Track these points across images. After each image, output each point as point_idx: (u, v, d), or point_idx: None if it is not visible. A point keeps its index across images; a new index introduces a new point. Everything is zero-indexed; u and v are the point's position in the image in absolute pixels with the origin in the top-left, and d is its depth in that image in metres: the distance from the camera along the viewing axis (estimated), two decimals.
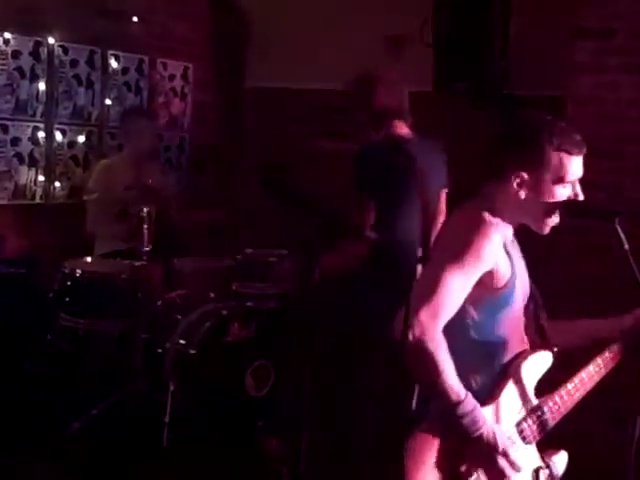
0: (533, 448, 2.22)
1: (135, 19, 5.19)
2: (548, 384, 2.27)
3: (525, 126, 2.19)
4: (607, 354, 2.35)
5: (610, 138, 3.84)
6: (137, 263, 4.05)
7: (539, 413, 2.21)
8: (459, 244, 2.05)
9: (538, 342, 2.31)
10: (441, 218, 3.22)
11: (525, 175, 2.12)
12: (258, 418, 4.06)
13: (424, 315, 1.96)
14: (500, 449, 2.05)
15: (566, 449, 2.34)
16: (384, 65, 4.55)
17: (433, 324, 1.97)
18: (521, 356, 2.22)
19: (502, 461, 2.06)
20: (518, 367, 2.20)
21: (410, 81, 4.72)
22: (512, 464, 2.07)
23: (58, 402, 3.90)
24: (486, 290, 2.10)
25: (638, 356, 2.34)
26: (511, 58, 4.41)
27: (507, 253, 2.16)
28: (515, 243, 2.25)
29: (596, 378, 2.34)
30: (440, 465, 2.04)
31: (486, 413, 2.08)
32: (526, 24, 4.38)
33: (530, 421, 2.19)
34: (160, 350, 4.05)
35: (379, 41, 4.99)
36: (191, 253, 4.64)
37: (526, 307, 2.29)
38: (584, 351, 2.36)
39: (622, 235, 2.15)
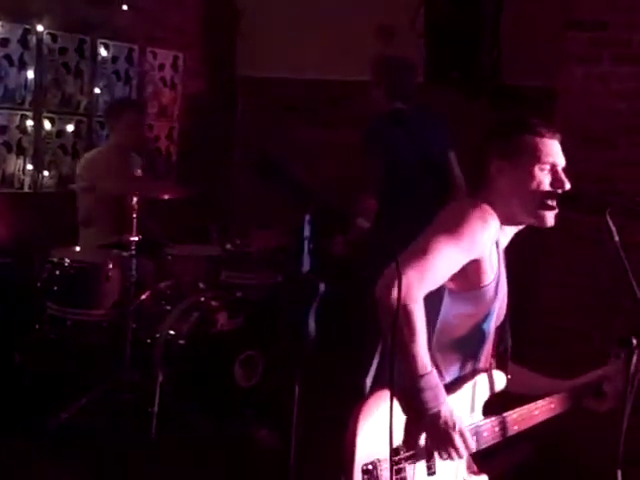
0: (463, 461, 2.18)
1: (125, 7, 5.15)
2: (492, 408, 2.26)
3: (499, 122, 2.25)
4: (548, 402, 2.33)
5: (601, 130, 3.84)
6: (125, 253, 4.03)
7: (478, 430, 2.18)
8: (457, 220, 2.06)
9: (496, 365, 2.31)
10: (454, 175, 3.87)
11: (503, 163, 2.15)
12: (247, 408, 4.06)
13: (411, 275, 1.95)
14: (457, 427, 2.02)
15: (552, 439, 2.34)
16: (375, 55, 4.55)
17: (419, 287, 1.97)
18: (483, 368, 2.24)
19: (458, 440, 2.03)
20: (476, 376, 2.21)
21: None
22: (466, 444, 2.05)
23: (46, 392, 3.88)
24: (468, 283, 2.10)
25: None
26: (503, 49, 4.40)
27: (498, 258, 2.16)
28: (503, 261, 2.24)
29: (535, 419, 2.30)
30: (380, 435, 1.96)
31: None
32: (518, 15, 4.37)
33: (484, 427, 2.17)
34: (149, 340, 4.04)
35: (371, 31, 4.98)
36: (181, 242, 4.62)
37: (497, 328, 2.29)
38: None
39: (613, 227, 2.15)
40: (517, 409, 2.27)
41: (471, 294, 2.14)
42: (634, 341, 2.18)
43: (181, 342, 4.00)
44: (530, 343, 3.83)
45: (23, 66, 4.70)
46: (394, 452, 1.98)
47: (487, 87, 4.17)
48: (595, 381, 2.37)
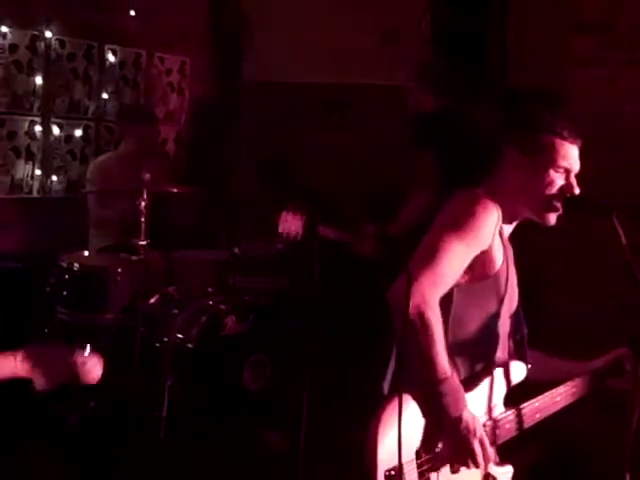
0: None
1: (132, 13, 5.17)
2: (514, 398, 2.25)
3: (522, 113, 2.28)
4: (570, 386, 2.33)
5: (608, 132, 3.84)
6: (134, 257, 4.04)
7: (507, 419, 2.18)
8: (461, 216, 2.07)
9: (515, 355, 2.31)
10: None
11: (520, 157, 2.16)
12: (256, 412, 4.06)
13: (425, 283, 1.95)
14: (478, 434, 2.01)
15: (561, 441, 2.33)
16: (382, 60, 4.58)
17: (433, 292, 1.97)
18: (501, 361, 2.23)
19: (477, 447, 2.01)
20: (493, 370, 2.20)
21: (408, 76, 4.74)
22: (485, 452, 2.03)
23: (55, 396, 3.89)
24: (477, 274, 2.11)
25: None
26: (509, 51, 4.41)
27: (504, 246, 2.17)
28: (511, 253, 2.24)
29: (557, 406, 2.31)
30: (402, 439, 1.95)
31: None
32: (525, 17, 4.37)
33: (488, 427, 2.16)
34: (158, 344, 4.05)
35: (376, 36, 4.99)
36: (189, 246, 4.63)
37: (511, 317, 2.29)
38: None
39: (620, 229, 2.15)
40: (539, 397, 2.27)
41: (482, 284, 2.15)
42: None
43: (190, 346, 4.01)
44: (536, 345, 3.83)
45: (32, 72, 4.73)
46: (416, 455, 1.99)
47: (494, 90, 4.16)
48: (615, 360, 2.37)
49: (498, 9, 4.37)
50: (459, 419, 1.99)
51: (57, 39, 4.84)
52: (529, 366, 2.28)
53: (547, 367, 2.38)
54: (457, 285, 2.11)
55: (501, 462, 2.26)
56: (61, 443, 3.69)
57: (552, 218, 2.20)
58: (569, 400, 2.34)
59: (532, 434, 2.29)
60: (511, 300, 2.25)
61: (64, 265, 4.07)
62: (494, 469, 2.22)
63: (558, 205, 2.17)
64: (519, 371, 2.26)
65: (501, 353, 2.26)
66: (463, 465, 2.05)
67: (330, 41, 5.16)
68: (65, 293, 4.05)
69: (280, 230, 3.14)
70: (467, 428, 2.00)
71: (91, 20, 4.95)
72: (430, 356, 1.96)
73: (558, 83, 4.00)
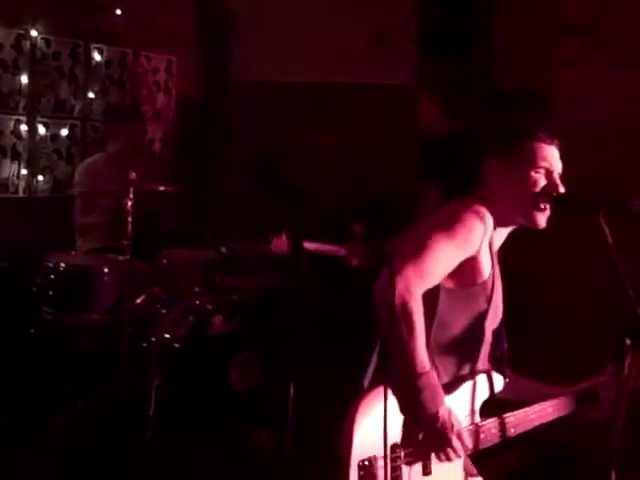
0: (460, 461, 2.18)
1: (118, 12, 5.16)
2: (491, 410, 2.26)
3: (499, 124, 2.27)
4: (548, 405, 2.33)
5: (594, 133, 3.86)
6: (121, 257, 4.03)
7: (477, 430, 2.17)
8: (451, 219, 2.08)
9: (494, 367, 2.32)
10: None
11: (499, 164, 2.18)
12: (243, 411, 4.06)
13: (410, 273, 1.95)
14: (455, 429, 2.01)
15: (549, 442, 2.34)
16: (370, 59, 4.58)
17: (418, 285, 1.97)
18: (482, 369, 2.24)
19: (456, 442, 2.01)
20: (475, 376, 2.21)
21: (395, 76, 4.76)
22: (464, 445, 2.03)
23: (42, 396, 3.88)
24: (464, 281, 2.12)
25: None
26: (496, 53, 4.43)
27: (491, 257, 2.18)
28: (498, 269, 2.25)
29: (532, 423, 2.30)
30: (377, 431, 1.94)
31: None
32: (512, 19, 4.40)
33: (469, 432, 2.15)
34: (145, 344, 4.04)
35: (364, 36, 5.00)
36: (176, 246, 4.62)
37: (494, 331, 2.30)
38: None
39: (606, 228, 2.17)
40: (515, 412, 2.27)
41: (468, 291, 2.15)
42: (628, 342, 2.20)
43: (177, 346, 4.01)
44: (528, 345, 3.85)
45: (17, 71, 4.71)
46: (391, 450, 1.97)
47: (480, 92, 4.18)
48: (591, 388, 2.38)
49: (485, 10, 4.40)
50: (436, 414, 1.98)
51: (42, 38, 4.82)
52: (506, 380, 2.30)
53: (526, 388, 2.37)
54: (443, 288, 2.11)
55: (475, 474, 2.26)
56: (48, 443, 3.68)
57: (542, 220, 2.21)
58: (544, 419, 2.33)
59: (517, 435, 2.30)
60: (496, 312, 2.26)
61: (50, 265, 4.06)
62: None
63: (545, 205, 2.19)
64: (498, 383, 2.28)
65: (483, 363, 2.27)
66: (443, 458, 2.04)
67: (319, 40, 5.17)
68: (51, 293, 4.04)
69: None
70: (444, 423, 1.99)
71: (77, 19, 4.93)
72: (410, 347, 1.96)
73: (544, 84, 4.02)
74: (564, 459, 3.72)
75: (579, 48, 3.86)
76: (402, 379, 1.98)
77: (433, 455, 2.07)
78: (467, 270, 2.11)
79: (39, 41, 4.80)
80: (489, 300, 2.19)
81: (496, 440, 2.21)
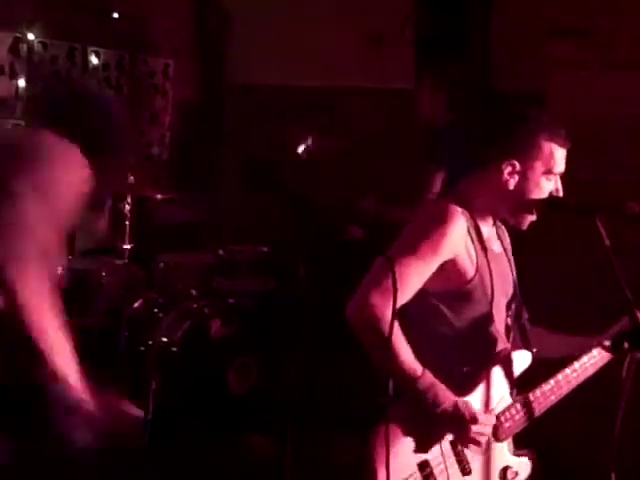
0: (504, 446, 2.23)
1: (115, 15, 5.15)
2: (526, 384, 2.29)
3: (515, 117, 2.23)
4: (586, 359, 2.36)
5: (588, 134, 3.87)
6: (118, 261, 4.03)
7: (513, 411, 2.22)
8: (416, 231, 2.08)
9: (519, 341, 2.33)
10: None
11: (517, 164, 2.15)
12: (241, 415, 4.06)
13: (373, 295, 1.98)
14: (468, 417, 2.05)
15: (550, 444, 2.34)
16: (366, 63, 4.58)
17: (382, 304, 1.98)
18: (501, 353, 2.25)
19: (474, 427, 2.05)
20: (496, 364, 2.22)
21: (390, 78, 4.77)
22: (483, 428, 2.07)
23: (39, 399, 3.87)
24: (451, 283, 2.12)
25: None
26: (492, 55, 4.43)
27: (476, 250, 2.17)
28: (499, 240, 2.26)
29: (573, 382, 2.35)
30: (406, 449, 2.03)
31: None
32: (507, 21, 4.41)
33: (503, 418, 2.20)
34: (142, 348, 4.04)
35: (360, 39, 5.01)
36: (173, 249, 4.62)
37: (508, 306, 2.31)
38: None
39: (603, 231, 2.17)
40: (549, 380, 2.29)
41: (459, 292, 2.15)
42: (626, 345, 2.20)
43: (174, 349, 4.00)
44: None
45: (14, 75, 4.71)
46: (422, 466, 2.03)
47: (476, 93, 4.19)
48: (621, 329, 2.34)
49: (480, 13, 4.40)
50: (445, 409, 2.03)
51: (40, 41, 4.82)
52: (534, 350, 2.30)
53: (552, 342, 2.39)
54: (434, 295, 2.12)
55: (521, 453, 2.30)
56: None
57: (527, 222, 2.22)
58: (590, 371, 2.35)
59: (521, 441, 2.31)
60: (505, 294, 2.27)
61: None
62: (511, 459, 2.25)
63: (535, 213, 2.20)
64: (523, 359, 2.27)
65: (501, 342, 2.27)
66: (471, 447, 2.09)
67: (315, 44, 5.17)
68: None
69: None
70: (455, 413, 2.03)
71: (73, 22, 4.93)
72: (391, 362, 1.98)
73: (539, 85, 4.03)
74: (566, 462, 3.73)
75: (573, 49, 3.87)
76: (404, 390, 2.02)
77: (467, 452, 2.11)
78: (451, 273, 2.12)
79: (36, 45, 4.80)
80: (486, 290, 2.19)
81: (542, 410, 2.25)
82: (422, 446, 2.07)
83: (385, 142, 4.85)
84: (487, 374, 2.21)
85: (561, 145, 2.19)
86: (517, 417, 2.22)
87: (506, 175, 2.15)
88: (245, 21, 5.57)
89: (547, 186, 2.18)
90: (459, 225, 2.10)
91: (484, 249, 2.19)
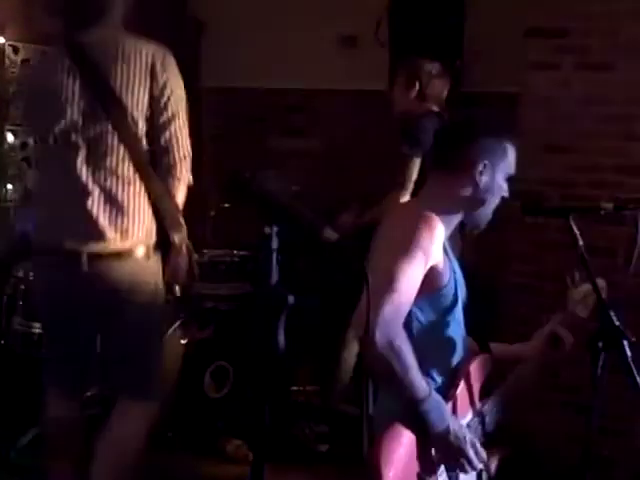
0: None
1: None
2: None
3: (486, 120, 2.31)
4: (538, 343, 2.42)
5: (563, 135, 3.89)
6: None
7: (483, 415, 2.24)
8: (406, 238, 2.06)
9: (476, 347, 2.36)
10: None
11: (488, 164, 2.17)
12: (218, 419, 4.04)
13: (388, 313, 1.96)
14: (468, 439, 2.06)
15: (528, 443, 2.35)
16: (339, 65, 4.58)
17: (397, 320, 1.98)
18: (471, 358, 2.27)
19: (471, 452, 2.06)
20: (469, 368, 2.25)
21: (365, 80, 4.77)
22: (478, 454, 2.09)
23: (15, 407, 3.83)
24: (430, 288, 2.12)
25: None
26: (465, 56, 4.45)
27: (445, 253, 2.19)
28: (449, 245, 2.27)
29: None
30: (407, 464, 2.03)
31: None
32: (480, 23, 4.42)
33: (475, 423, 2.22)
34: None
35: (334, 41, 5.01)
36: None
37: (464, 312, 2.32)
38: None
39: (577, 231, 2.18)
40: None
41: (433, 296, 2.16)
42: (600, 344, 2.22)
43: None
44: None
45: None
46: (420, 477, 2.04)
47: (450, 95, 4.19)
48: (551, 332, 2.42)
49: (454, 14, 4.41)
50: (447, 431, 2.03)
51: (10, 45, 4.76)
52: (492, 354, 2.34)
53: (500, 353, 2.42)
54: (415, 302, 2.12)
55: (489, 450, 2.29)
56: (21, 456, 3.64)
57: (485, 224, 2.26)
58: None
59: (497, 437, 2.32)
60: (462, 299, 2.28)
61: (20, 275, 4.01)
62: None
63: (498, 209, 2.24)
64: (487, 363, 2.31)
65: (462, 350, 2.29)
66: (461, 471, 2.09)
67: (289, 46, 5.16)
68: (21, 303, 3.98)
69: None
70: (456, 437, 2.04)
71: (45, 25, 4.87)
72: (407, 380, 1.99)
73: (513, 87, 4.04)
74: (543, 459, 3.75)
75: (548, 50, 3.89)
76: (407, 408, 2.02)
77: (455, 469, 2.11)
78: (430, 278, 2.12)
79: (7, 48, 4.74)
80: (455, 295, 2.20)
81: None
82: (423, 461, 2.08)
83: (364, 143, 4.85)
84: (462, 378, 2.23)
85: (513, 147, 2.22)
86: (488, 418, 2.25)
87: (477, 175, 2.17)
88: (219, 23, 5.54)
89: (505, 188, 2.21)
90: (440, 231, 2.12)
91: (447, 254, 2.20)
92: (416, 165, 3.75)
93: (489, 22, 4.40)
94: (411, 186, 3.75)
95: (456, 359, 2.25)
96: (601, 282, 2.31)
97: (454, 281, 2.20)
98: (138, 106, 2.77)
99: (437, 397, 2.03)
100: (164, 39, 3.26)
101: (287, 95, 5.32)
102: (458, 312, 2.24)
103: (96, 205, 2.76)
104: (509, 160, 2.20)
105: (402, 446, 2.02)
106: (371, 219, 3.54)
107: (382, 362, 1.96)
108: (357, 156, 4.89)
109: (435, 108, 3.97)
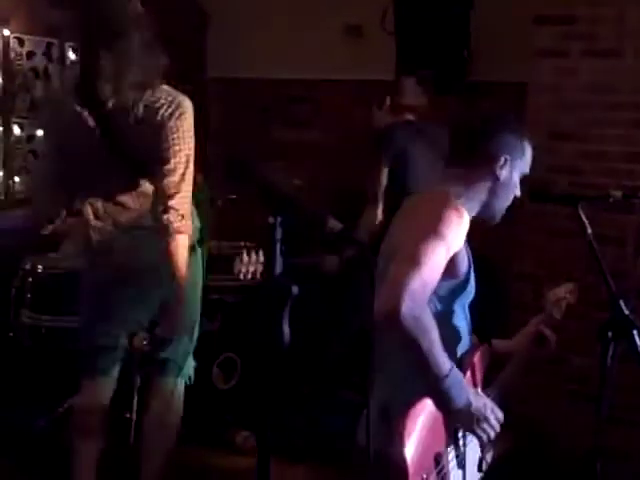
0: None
1: None
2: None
3: (506, 116, 2.30)
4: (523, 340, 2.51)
5: (571, 123, 3.87)
6: None
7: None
8: (437, 221, 2.07)
9: (475, 339, 2.39)
10: None
11: (508, 158, 2.19)
12: (226, 411, 4.04)
13: (415, 285, 1.94)
14: (488, 406, 2.10)
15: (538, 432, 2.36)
16: (345, 55, 4.56)
17: (424, 294, 1.98)
18: (475, 349, 2.31)
19: (492, 417, 2.10)
20: (474, 359, 2.28)
21: (371, 70, 4.75)
22: (498, 417, 2.12)
23: (23, 400, 3.84)
24: (449, 276, 2.12)
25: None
26: (473, 45, 4.42)
27: (467, 248, 2.21)
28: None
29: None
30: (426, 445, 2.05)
31: None
32: (487, 10, 4.39)
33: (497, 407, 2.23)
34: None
35: (339, 30, 4.98)
36: None
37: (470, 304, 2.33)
38: None
39: (585, 220, 2.17)
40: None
41: (450, 284, 2.16)
42: (610, 334, 2.21)
43: None
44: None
45: None
46: (437, 461, 2.08)
47: (457, 84, 4.17)
48: (537, 330, 2.50)
49: (461, 3, 4.38)
50: (468, 404, 2.05)
51: (15, 37, 4.76)
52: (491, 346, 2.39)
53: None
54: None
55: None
56: (29, 449, 3.65)
57: (500, 217, 2.28)
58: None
59: (503, 425, 2.31)
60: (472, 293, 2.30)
61: (28, 267, 4.01)
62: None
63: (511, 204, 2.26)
64: (487, 354, 2.35)
65: (467, 340, 2.31)
66: (484, 437, 2.12)
67: (294, 36, 5.14)
68: (29, 296, 3.99)
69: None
70: (477, 407, 2.06)
71: (50, 17, 4.86)
72: (432, 357, 1.99)
73: (521, 75, 4.02)
74: (549, 448, 3.74)
75: (556, 38, 3.86)
76: (430, 384, 2.03)
77: (468, 443, 2.17)
78: (450, 266, 2.11)
79: (12, 40, 4.74)
80: (467, 290, 2.23)
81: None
82: (440, 439, 2.12)
83: (368, 133, 4.83)
84: (472, 365, 2.26)
85: (532, 149, 2.26)
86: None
87: (498, 169, 2.19)
88: (224, 14, 5.52)
89: (518, 186, 2.24)
90: (466, 219, 2.14)
91: (467, 250, 2.22)
92: (385, 175, 3.77)
93: (495, 10, 4.37)
94: (382, 197, 3.77)
95: (461, 349, 2.27)
96: (570, 285, 2.47)
97: (469, 275, 2.21)
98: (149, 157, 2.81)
99: (458, 372, 2.05)
100: (170, 30, 3.26)
101: (291, 85, 5.30)
102: (466, 305, 2.27)
103: None
104: (527, 158, 2.23)
105: (420, 428, 2.04)
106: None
107: (407, 338, 1.94)
108: (361, 147, 4.87)
109: (411, 117, 3.99)
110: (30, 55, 4.85)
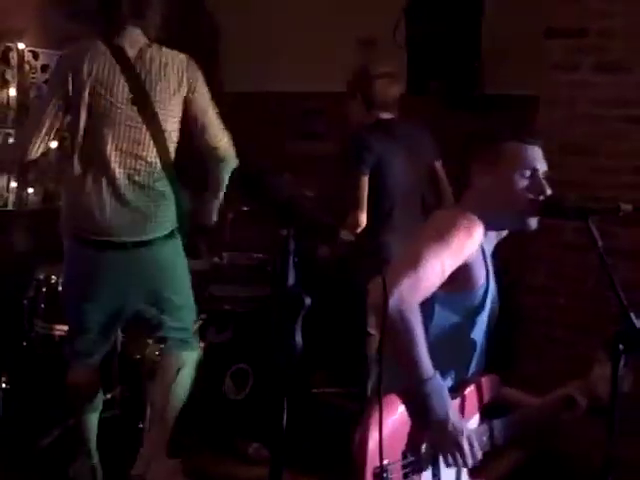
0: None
1: None
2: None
3: (482, 129, 2.36)
4: (555, 398, 2.36)
5: (583, 136, 3.87)
6: None
7: (492, 428, 2.21)
8: (444, 228, 2.08)
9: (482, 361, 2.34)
10: (443, 185, 3.86)
11: (485, 169, 2.20)
12: (238, 422, 4.04)
13: (405, 285, 1.96)
14: (466, 433, 2.04)
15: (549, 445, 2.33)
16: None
17: (413, 295, 1.98)
18: (484, 373, 2.27)
19: (466, 446, 2.04)
20: (481, 379, 2.25)
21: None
22: (473, 452, 2.06)
23: (36, 409, 3.86)
24: (458, 287, 2.12)
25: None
26: (484, 58, 4.43)
27: (485, 263, 2.19)
28: (492, 268, 2.27)
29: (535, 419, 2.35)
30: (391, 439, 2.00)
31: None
32: (498, 23, 4.40)
33: (482, 429, 2.19)
34: (138, 356, 4.02)
35: (352, 43, 5.00)
36: None
37: (488, 336, 2.31)
38: None
39: (596, 233, 2.17)
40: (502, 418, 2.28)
41: (460, 296, 2.15)
42: (620, 346, 2.20)
43: None
44: (515, 349, 3.85)
45: (5, 84, 4.69)
46: (403, 457, 2.00)
47: (468, 97, 4.18)
48: (567, 395, 2.38)
49: (472, 15, 4.40)
50: (446, 418, 2.01)
51: (30, 50, 4.81)
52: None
53: (501, 393, 2.38)
54: (437, 294, 2.11)
55: (478, 475, 2.27)
56: (43, 456, 3.66)
57: (533, 222, 2.24)
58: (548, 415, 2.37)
59: (516, 440, 2.31)
60: (490, 317, 2.27)
61: (42, 277, 4.04)
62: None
63: (534, 208, 2.20)
64: (495, 384, 2.29)
65: (475, 366, 2.28)
66: (452, 463, 2.06)
67: (307, 49, 5.17)
68: (43, 306, 4.02)
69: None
70: (454, 427, 2.01)
71: (64, 30, 4.91)
72: (412, 357, 1.98)
73: (532, 89, 4.02)
74: (561, 462, 3.72)
75: (567, 51, 3.86)
76: (409, 386, 2.00)
77: (442, 460, 2.07)
78: (460, 277, 2.12)
79: (27, 53, 4.79)
80: (480, 309, 2.20)
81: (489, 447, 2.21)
82: (411, 441, 2.06)
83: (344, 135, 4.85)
84: (466, 389, 2.21)
85: (525, 141, 2.22)
86: (483, 442, 2.20)
87: (479, 181, 2.21)
88: (237, 28, 5.56)
89: (524, 183, 2.20)
90: (477, 234, 2.13)
91: (487, 268, 2.20)
92: (365, 182, 3.65)
93: (507, 23, 4.38)
94: (365, 204, 3.65)
95: (472, 368, 2.25)
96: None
97: (486, 290, 2.20)
98: (173, 110, 3.44)
99: (440, 383, 2.01)
100: (184, 45, 3.40)
101: (305, 99, 5.32)
102: (482, 322, 2.23)
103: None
104: (518, 158, 2.20)
105: (395, 415, 2.00)
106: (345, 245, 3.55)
107: (391, 332, 1.93)
108: None
109: (385, 115, 3.80)
110: (44, 68, 4.90)
